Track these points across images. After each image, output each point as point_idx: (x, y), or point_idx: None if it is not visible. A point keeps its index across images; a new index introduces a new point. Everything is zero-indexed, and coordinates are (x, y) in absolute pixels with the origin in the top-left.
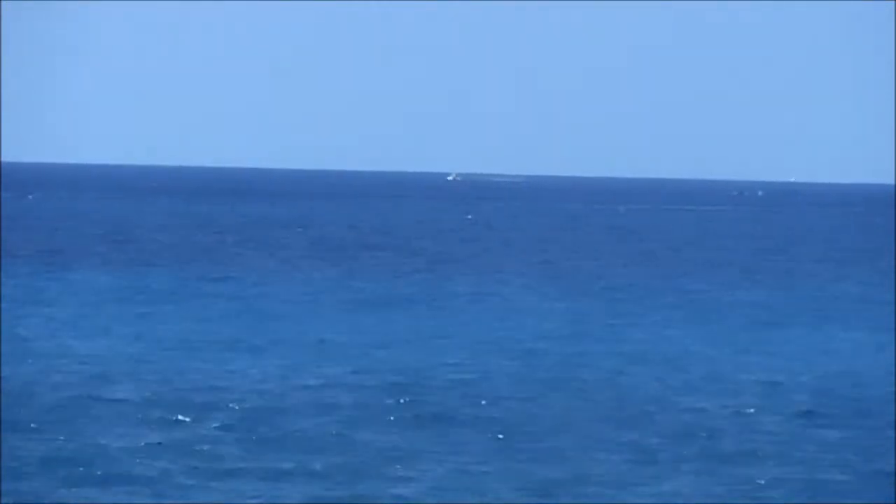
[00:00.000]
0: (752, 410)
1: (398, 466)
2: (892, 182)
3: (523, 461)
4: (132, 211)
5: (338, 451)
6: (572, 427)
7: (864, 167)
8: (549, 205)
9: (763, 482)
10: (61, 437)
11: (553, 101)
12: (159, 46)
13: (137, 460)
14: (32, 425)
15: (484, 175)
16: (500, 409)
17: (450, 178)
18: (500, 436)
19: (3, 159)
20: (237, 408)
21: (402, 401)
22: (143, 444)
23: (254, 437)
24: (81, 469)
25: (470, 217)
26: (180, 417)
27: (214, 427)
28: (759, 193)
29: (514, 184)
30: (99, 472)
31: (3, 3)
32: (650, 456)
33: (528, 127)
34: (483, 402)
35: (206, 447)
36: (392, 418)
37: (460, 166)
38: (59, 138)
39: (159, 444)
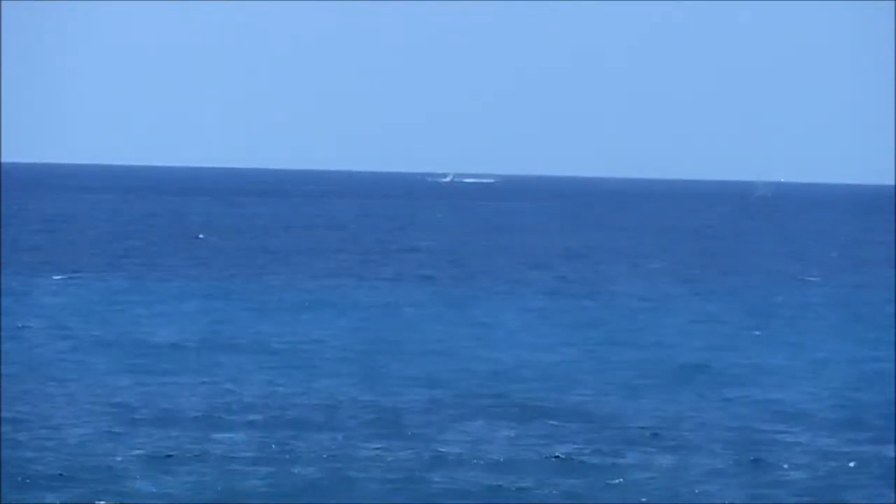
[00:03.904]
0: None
1: None
2: (893, 182)
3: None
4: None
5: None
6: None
7: (865, 167)
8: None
9: (763, 483)
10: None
11: (550, 101)
12: (159, 46)
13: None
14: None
15: (481, 175)
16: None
17: (447, 178)
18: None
19: (2, 159)
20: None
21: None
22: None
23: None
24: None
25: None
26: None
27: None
28: (768, 194)
29: (511, 184)
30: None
31: (2, 3)
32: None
33: (530, 127)
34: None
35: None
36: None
37: (452, 167)
38: (60, 138)
39: None
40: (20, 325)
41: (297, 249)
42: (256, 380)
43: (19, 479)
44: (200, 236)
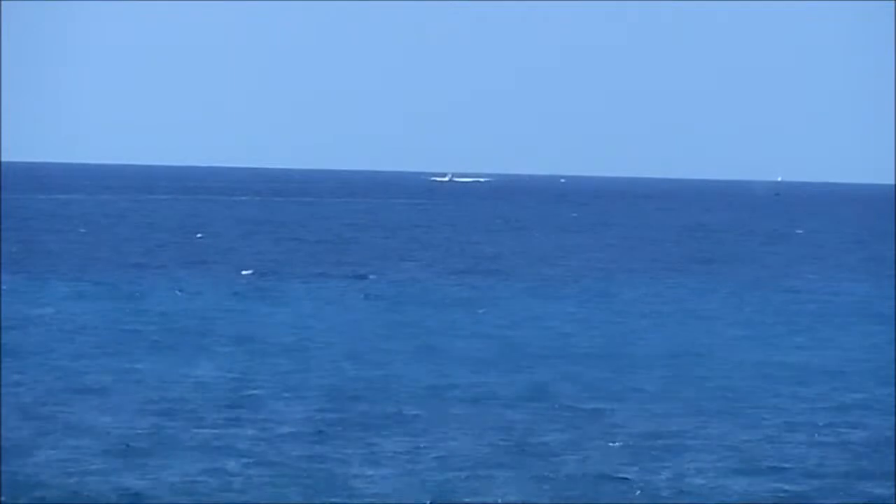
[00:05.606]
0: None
1: None
2: (893, 182)
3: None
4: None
5: None
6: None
7: (865, 167)
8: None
9: (764, 482)
10: None
11: (549, 101)
12: (158, 46)
13: None
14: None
15: (479, 175)
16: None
17: (445, 178)
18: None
19: (2, 159)
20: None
21: None
22: None
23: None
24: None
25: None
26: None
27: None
28: (780, 193)
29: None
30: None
31: (2, 3)
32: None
33: (528, 127)
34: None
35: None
36: None
37: (450, 167)
38: (60, 138)
39: None
40: (23, 324)
41: (296, 249)
42: (265, 373)
43: (21, 477)
44: (199, 236)
